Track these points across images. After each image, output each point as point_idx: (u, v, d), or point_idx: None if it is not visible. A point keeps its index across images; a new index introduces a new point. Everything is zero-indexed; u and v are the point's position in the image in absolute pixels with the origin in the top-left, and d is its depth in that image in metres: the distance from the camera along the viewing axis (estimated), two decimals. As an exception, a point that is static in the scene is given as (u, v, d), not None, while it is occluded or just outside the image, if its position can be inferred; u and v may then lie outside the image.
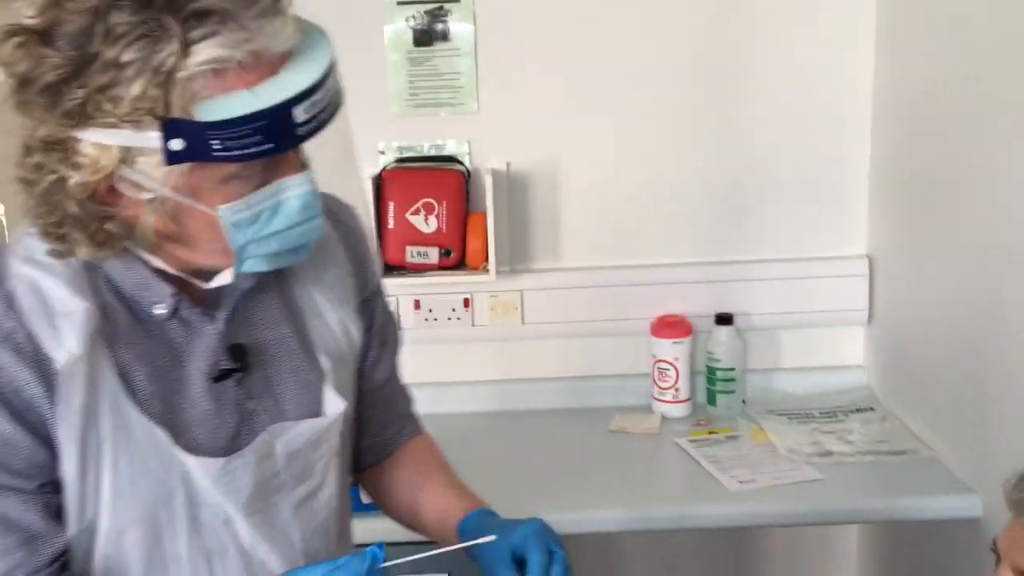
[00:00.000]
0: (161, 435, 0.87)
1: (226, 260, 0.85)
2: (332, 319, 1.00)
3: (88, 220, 0.79)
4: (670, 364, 2.02)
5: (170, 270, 0.88)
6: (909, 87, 1.88)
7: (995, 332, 1.61)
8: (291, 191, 0.82)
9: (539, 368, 2.12)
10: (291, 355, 0.97)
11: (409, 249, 1.97)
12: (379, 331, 1.10)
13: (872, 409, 2.01)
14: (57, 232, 0.81)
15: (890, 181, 1.98)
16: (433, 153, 2.04)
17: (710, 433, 1.95)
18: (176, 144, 0.75)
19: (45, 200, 0.79)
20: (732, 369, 2.03)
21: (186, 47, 0.73)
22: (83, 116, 0.75)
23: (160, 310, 0.89)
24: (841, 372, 2.11)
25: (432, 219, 1.96)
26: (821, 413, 2.00)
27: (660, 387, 2.04)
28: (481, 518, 1.03)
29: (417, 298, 2.04)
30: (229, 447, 0.91)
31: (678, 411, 2.03)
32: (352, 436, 1.10)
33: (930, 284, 1.84)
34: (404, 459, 1.15)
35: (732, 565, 2.27)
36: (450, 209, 1.96)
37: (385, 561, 0.84)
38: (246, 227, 0.81)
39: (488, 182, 1.95)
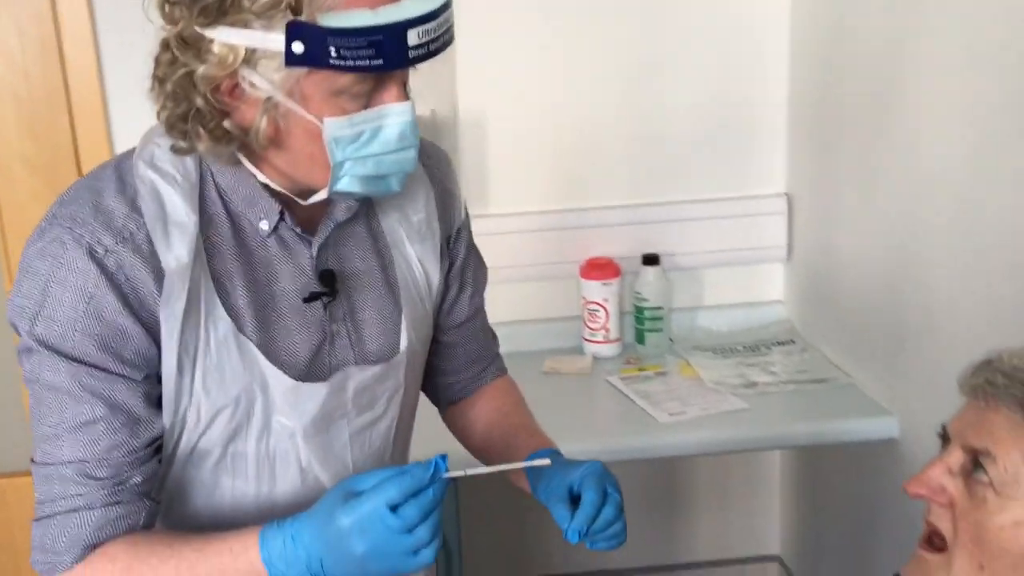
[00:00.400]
0: (249, 344, 0.93)
1: (323, 178, 0.89)
2: (412, 256, 1.05)
3: (209, 114, 0.86)
4: (599, 305, 2.06)
5: (275, 186, 0.93)
6: (826, 24, 1.93)
7: (909, 263, 1.69)
8: (393, 117, 0.87)
9: (471, 314, 2.14)
10: (374, 286, 1.03)
11: (336, 198, 1.95)
12: (459, 273, 1.13)
13: (793, 342, 2.09)
14: (182, 125, 0.87)
15: (807, 120, 2.04)
16: (357, 101, 2.02)
17: (640, 370, 2.00)
18: (297, 47, 0.81)
19: (175, 93, 0.86)
20: (659, 308, 2.08)
21: None
22: (218, 13, 0.81)
23: (264, 225, 0.94)
24: (762, 307, 2.18)
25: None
26: (744, 347, 2.08)
27: (590, 328, 2.08)
28: (548, 454, 1.07)
29: None
30: (309, 364, 0.97)
31: (608, 351, 2.08)
32: (435, 373, 1.17)
33: (846, 219, 1.92)
34: (484, 398, 1.19)
35: (663, 495, 2.35)
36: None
37: (448, 472, 0.87)
38: (346, 144, 0.86)
39: (414, 128, 1.94)
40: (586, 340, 2.09)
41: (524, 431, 1.15)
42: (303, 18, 0.80)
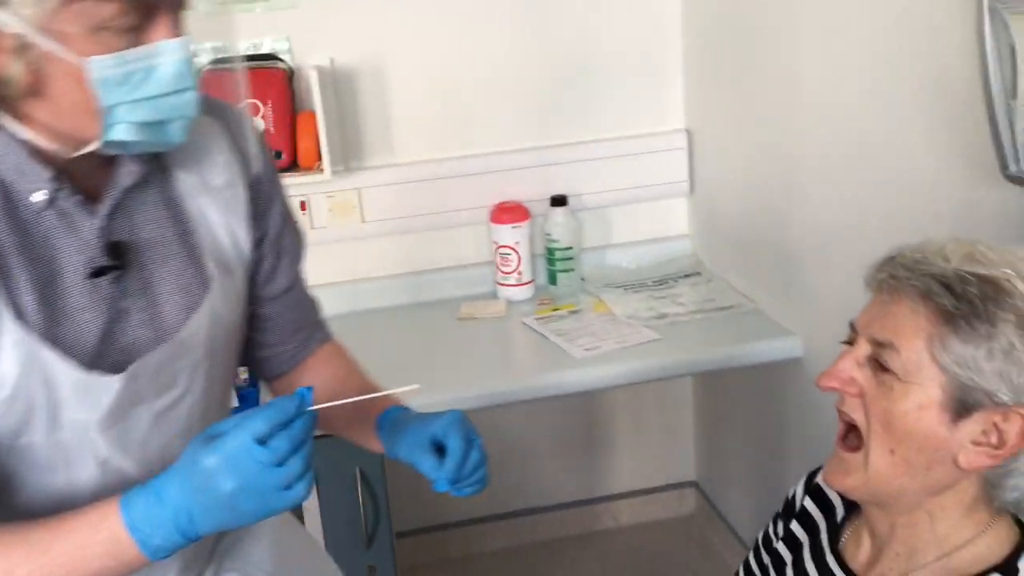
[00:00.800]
0: (28, 333, 0.84)
1: (93, 126, 0.81)
2: (218, 223, 0.97)
3: None
4: (511, 249, 2.08)
5: (44, 143, 0.83)
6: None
7: (798, 191, 1.76)
8: (166, 56, 0.79)
9: (383, 266, 2.13)
10: (172, 257, 0.94)
11: (237, 154, 1.91)
12: (275, 241, 1.06)
13: (699, 273, 2.16)
14: None
15: (701, 55, 2.08)
16: (251, 52, 1.97)
17: (554, 310, 2.04)
18: None
19: None
20: (570, 248, 2.11)
21: None
22: None
23: (38, 197, 0.85)
24: (668, 242, 2.24)
25: (258, 120, 1.91)
26: (653, 281, 2.13)
27: (503, 272, 2.10)
28: (400, 411, 1.05)
29: None
30: (99, 346, 0.89)
31: (522, 293, 2.11)
32: (255, 347, 1.10)
33: (741, 152, 1.98)
34: (315, 366, 1.14)
35: (582, 431, 2.42)
36: (276, 109, 1.91)
37: (312, 405, 0.83)
38: (116, 86, 0.78)
39: (314, 79, 1.91)
40: (500, 284, 2.12)
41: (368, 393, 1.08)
42: None
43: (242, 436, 0.79)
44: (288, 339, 1.12)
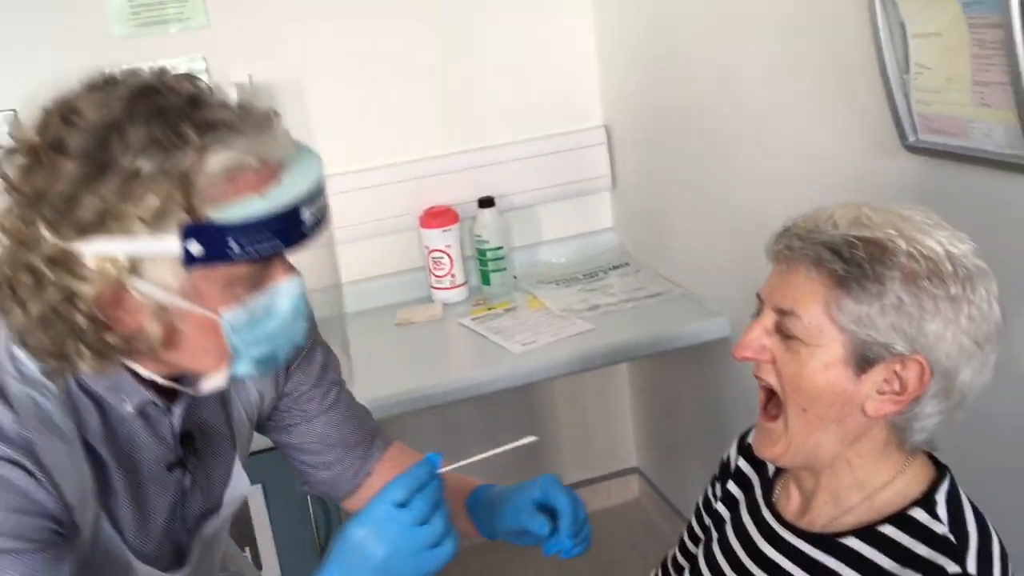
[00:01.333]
0: (118, 540, 0.91)
1: (215, 364, 0.86)
2: (251, 389, 1.03)
3: (91, 332, 0.79)
4: (443, 252, 2.11)
5: (148, 375, 0.88)
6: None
7: (712, 177, 1.83)
8: (284, 293, 0.85)
9: (317, 278, 2.13)
10: (222, 438, 1.02)
11: (161, 175, 1.90)
12: (302, 399, 1.09)
13: (627, 264, 2.22)
14: (58, 350, 0.80)
15: (615, 54, 2.15)
16: (168, 73, 1.95)
17: (489, 309, 2.08)
18: (194, 248, 0.76)
19: (44, 318, 0.79)
20: (500, 248, 2.15)
21: (203, 154, 0.75)
22: (97, 226, 0.75)
23: (128, 407, 0.89)
24: (595, 236, 2.30)
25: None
26: (584, 275, 2.19)
27: (437, 276, 2.13)
28: (487, 489, 1.10)
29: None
30: (166, 523, 0.96)
31: (457, 296, 2.14)
32: (318, 468, 1.13)
33: (658, 144, 2.05)
34: (384, 472, 1.14)
35: (525, 426, 2.45)
36: (198, 128, 1.90)
37: (441, 467, 0.90)
38: (243, 330, 0.83)
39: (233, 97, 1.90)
40: (434, 288, 2.14)
41: (455, 481, 1.11)
42: (195, 219, 0.76)
43: (383, 503, 0.86)
44: (349, 453, 1.14)
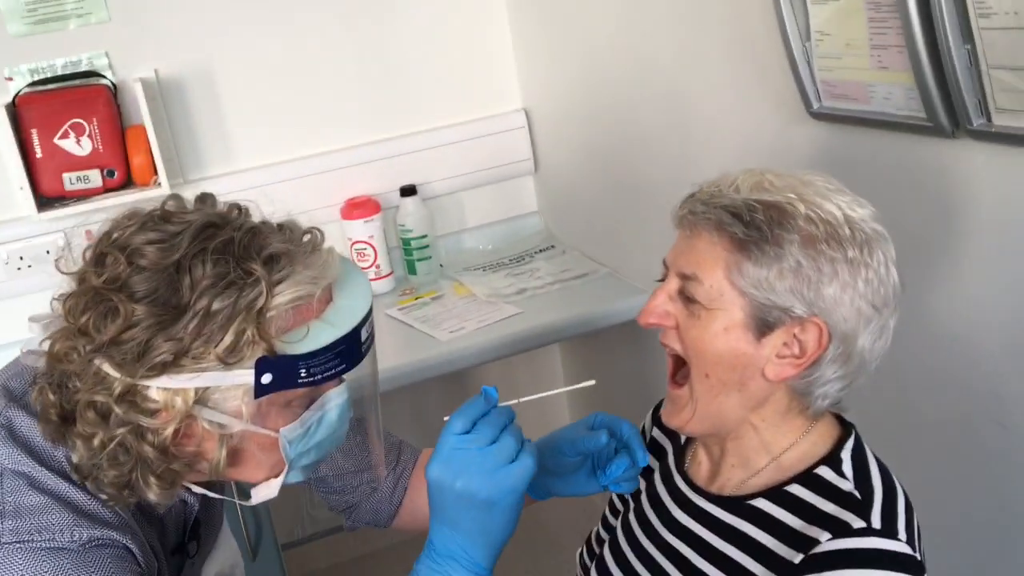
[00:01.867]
0: None
1: (267, 475, 0.88)
2: None
3: (158, 462, 0.81)
4: (366, 243, 2.08)
5: (199, 491, 0.91)
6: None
7: (628, 155, 1.84)
8: (333, 402, 0.86)
9: (237, 275, 2.09)
10: (213, 504, 1.03)
11: (66, 176, 1.83)
12: None
13: (552, 247, 2.22)
14: (123, 481, 0.81)
15: (530, 37, 2.14)
16: (69, 71, 1.89)
17: (416, 299, 2.06)
18: (267, 378, 0.78)
19: (114, 453, 0.80)
20: (424, 236, 2.13)
21: (272, 288, 0.77)
22: (171, 366, 0.76)
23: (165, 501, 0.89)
24: (520, 220, 2.29)
25: (85, 140, 1.83)
26: (510, 259, 2.18)
27: (361, 267, 2.10)
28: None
29: (88, 228, 1.90)
30: None
31: (383, 286, 2.11)
32: (354, 491, 1.15)
33: (576, 125, 2.05)
34: (423, 485, 1.13)
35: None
36: (103, 127, 1.84)
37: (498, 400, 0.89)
38: (298, 442, 0.85)
39: (139, 92, 1.85)
40: (359, 280, 2.11)
41: None
42: (267, 352, 0.77)
43: (446, 436, 0.85)
44: (370, 474, 1.15)
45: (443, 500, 0.84)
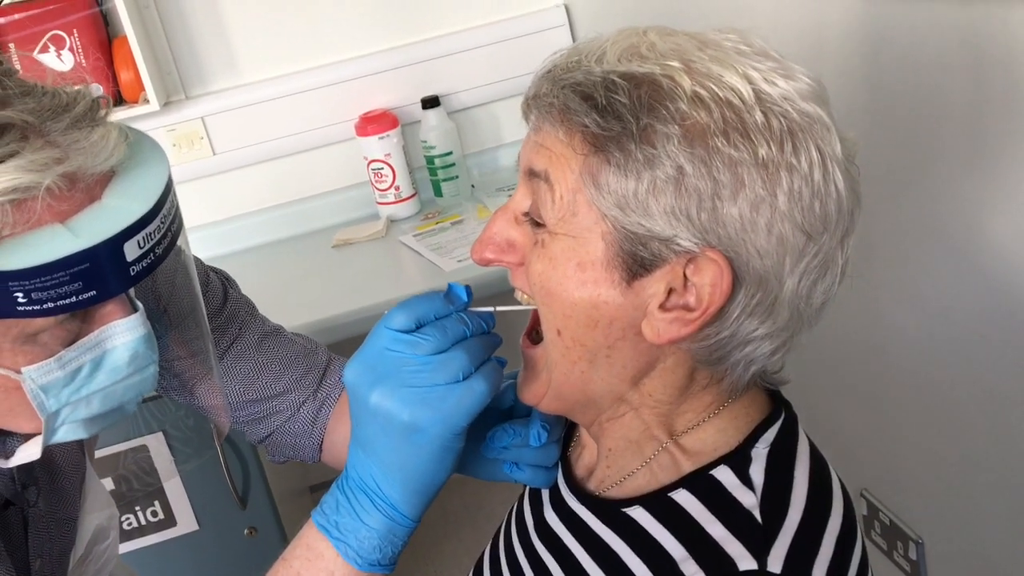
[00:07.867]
0: None
1: (30, 425, 0.68)
2: None
3: None
4: (383, 163, 1.87)
5: None
6: None
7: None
8: (119, 338, 0.65)
9: (247, 201, 1.93)
10: (73, 456, 0.87)
11: (49, 94, 1.70)
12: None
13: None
14: None
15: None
16: (53, -21, 1.74)
17: (437, 224, 1.83)
18: None
19: None
20: (449, 154, 1.89)
21: None
22: None
23: None
24: (564, 133, 2.01)
25: (66, 54, 1.69)
26: (548, 178, 1.92)
27: (380, 190, 1.89)
28: None
29: None
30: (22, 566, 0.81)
31: (404, 210, 1.90)
32: (263, 418, 0.92)
33: (626, 21, 1.74)
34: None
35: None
36: (84, 39, 1.69)
37: (470, 303, 0.64)
38: (59, 389, 0.65)
39: (122, -2, 1.69)
40: (380, 204, 1.91)
41: None
42: None
43: (379, 329, 0.61)
44: (284, 398, 0.91)
45: (358, 413, 0.62)
